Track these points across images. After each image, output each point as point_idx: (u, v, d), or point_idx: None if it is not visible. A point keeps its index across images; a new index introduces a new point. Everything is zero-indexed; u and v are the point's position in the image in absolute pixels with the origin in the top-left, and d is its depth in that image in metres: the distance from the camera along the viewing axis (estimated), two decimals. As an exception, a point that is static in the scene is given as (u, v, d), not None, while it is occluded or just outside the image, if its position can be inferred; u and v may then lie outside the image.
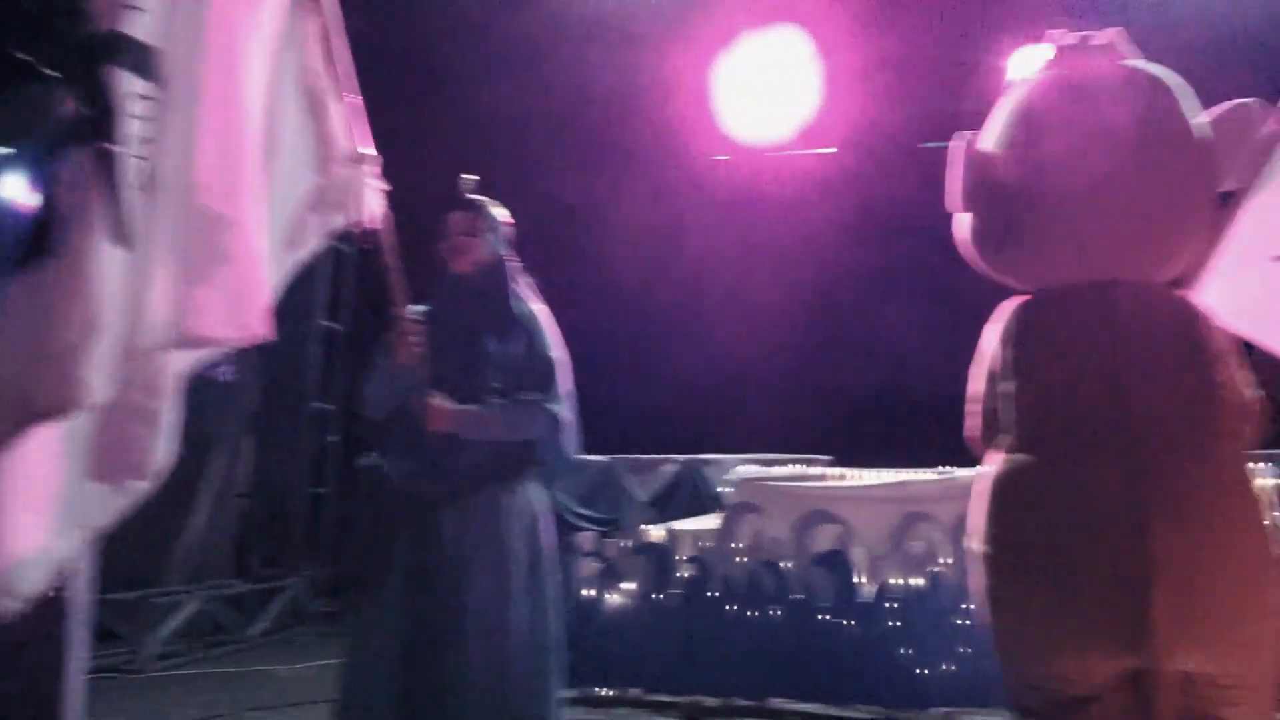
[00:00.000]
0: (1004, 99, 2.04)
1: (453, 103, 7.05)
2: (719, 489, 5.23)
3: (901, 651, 3.90)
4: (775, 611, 4.07)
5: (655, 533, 4.71)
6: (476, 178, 2.41)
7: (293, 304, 6.65)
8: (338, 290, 6.98)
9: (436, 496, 2.23)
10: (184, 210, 1.50)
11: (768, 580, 4.16)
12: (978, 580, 1.89)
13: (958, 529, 3.71)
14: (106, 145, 1.38)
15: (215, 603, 5.79)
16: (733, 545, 4.36)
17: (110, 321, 1.38)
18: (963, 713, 3.72)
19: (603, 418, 6.47)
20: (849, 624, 3.99)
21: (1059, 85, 1.95)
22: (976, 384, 1.99)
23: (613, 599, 4.34)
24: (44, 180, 1.44)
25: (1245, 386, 1.83)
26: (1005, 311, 1.97)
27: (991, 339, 1.97)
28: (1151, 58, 2.01)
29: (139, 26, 1.43)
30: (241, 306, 1.59)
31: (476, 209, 2.40)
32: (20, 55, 3.56)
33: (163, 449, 1.57)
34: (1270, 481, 4.00)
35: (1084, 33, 1.99)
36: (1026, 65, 2.04)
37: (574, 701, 3.98)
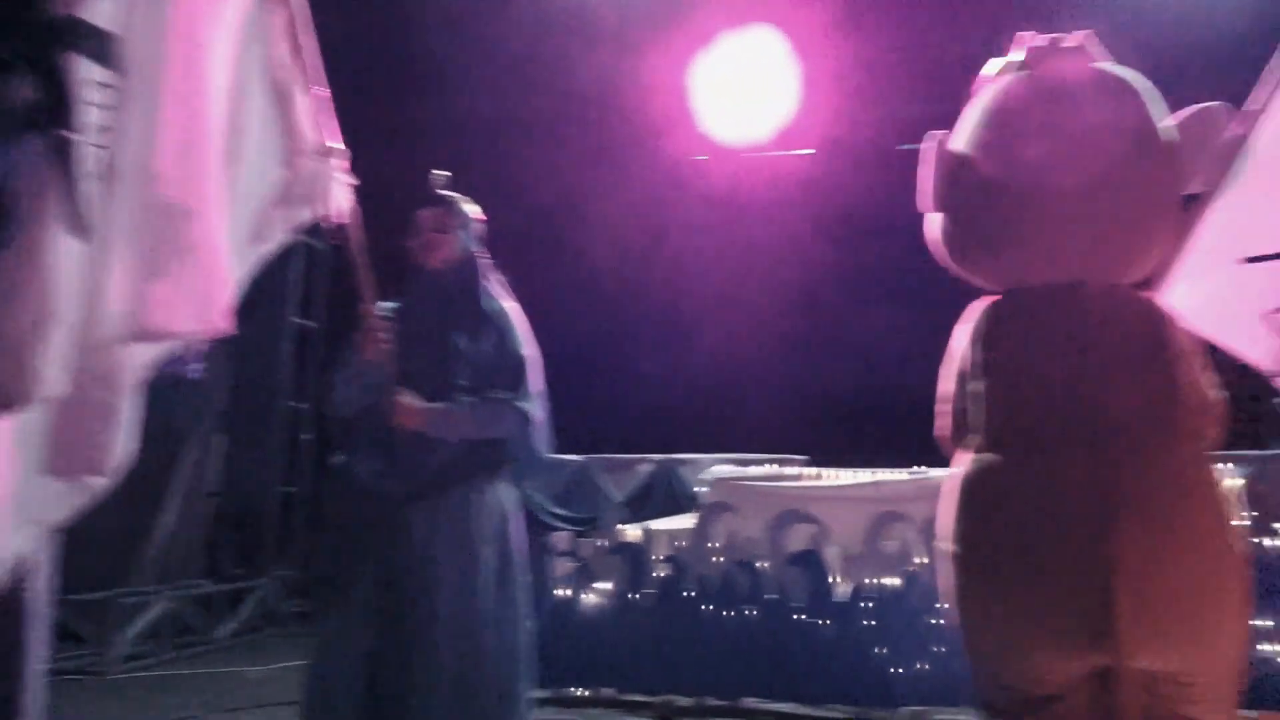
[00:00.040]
0: (975, 100, 2.05)
1: (430, 99, 7.01)
2: (695, 489, 5.23)
3: (875, 651, 3.91)
4: (750, 611, 4.07)
5: (631, 532, 4.70)
6: (448, 173, 2.38)
7: (265, 301, 6.62)
8: (310, 287, 6.91)
9: (405, 496, 2.20)
10: (143, 201, 1.47)
11: (742, 580, 4.16)
12: (946, 579, 1.90)
13: (932, 529, 3.72)
14: (64, 133, 1.35)
15: (183, 603, 5.71)
16: (708, 545, 4.36)
17: (66, 313, 1.35)
18: (935, 711, 3.74)
19: (579, 417, 6.48)
20: (823, 623, 4.00)
21: (1029, 87, 1.96)
22: (946, 384, 2.00)
23: (587, 599, 4.33)
24: (-2, 168, 1.40)
25: (1209, 387, 1.85)
26: (975, 312, 1.98)
27: (961, 339, 1.98)
28: (1121, 60, 2.03)
29: (98, 12, 1.40)
30: (202, 299, 1.56)
31: (447, 205, 2.37)
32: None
33: (122, 445, 1.54)
34: (1236, 482, 4.06)
35: (1054, 35, 2.01)
36: (997, 66, 2.05)
37: (547, 702, 3.96)
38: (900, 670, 3.86)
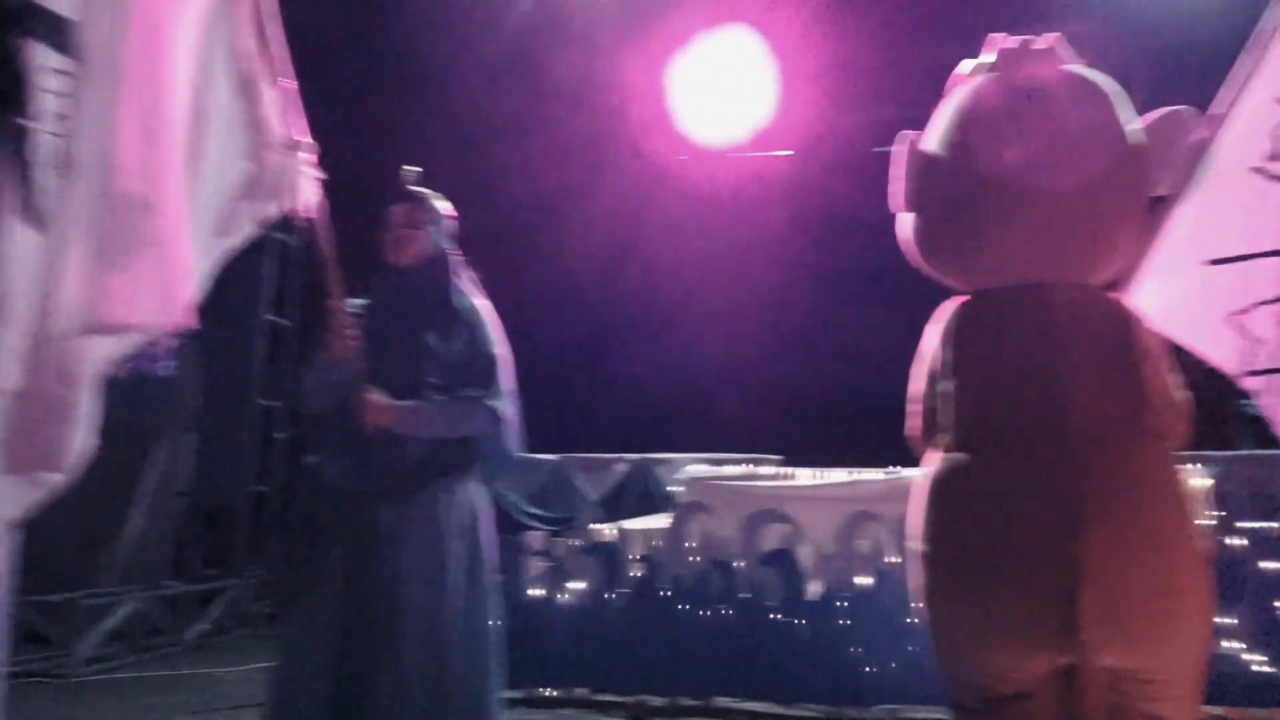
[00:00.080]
0: (946, 101, 2.06)
1: (407, 97, 6.97)
2: (670, 488, 5.23)
3: (848, 650, 3.93)
4: (724, 610, 4.07)
5: (605, 532, 4.69)
6: (419, 169, 2.36)
7: (238, 298, 6.56)
8: (284, 284, 6.84)
9: (373, 494, 2.18)
10: (101, 191, 1.44)
11: (717, 579, 4.16)
12: (916, 578, 1.91)
13: (904, 528, 3.75)
14: (18, 120, 1.32)
15: (151, 604, 5.63)
16: (683, 545, 4.35)
17: (20, 306, 1.33)
18: (908, 710, 3.76)
19: (555, 416, 6.46)
20: (797, 623, 4.01)
21: (999, 89, 1.97)
22: (917, 384, 2.00)
23: (561, 598, 4.31)
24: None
25: (1175, 388, 1.87)
26: (945, 312, 1.99)
27: (931, 339, 1.98)
28: (1090, 63, 2.04)
29: (55, -2, 1.37)
30: (163, 292, 1.53)
31: (418, 201, 2.35)
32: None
33: (81, 441, 1.50)
34: (1203, 482, 4.12)
35: (1025, 37, 2.02)
36: (969, 68, 2.06)
37: (520, 702, 3.94)
38: (873, 669, 3.88)
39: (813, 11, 6.48)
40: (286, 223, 2.05)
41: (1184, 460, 1.96)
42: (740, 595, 4.10)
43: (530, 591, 4.33)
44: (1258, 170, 1.77)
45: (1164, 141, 1.88)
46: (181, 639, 5.63)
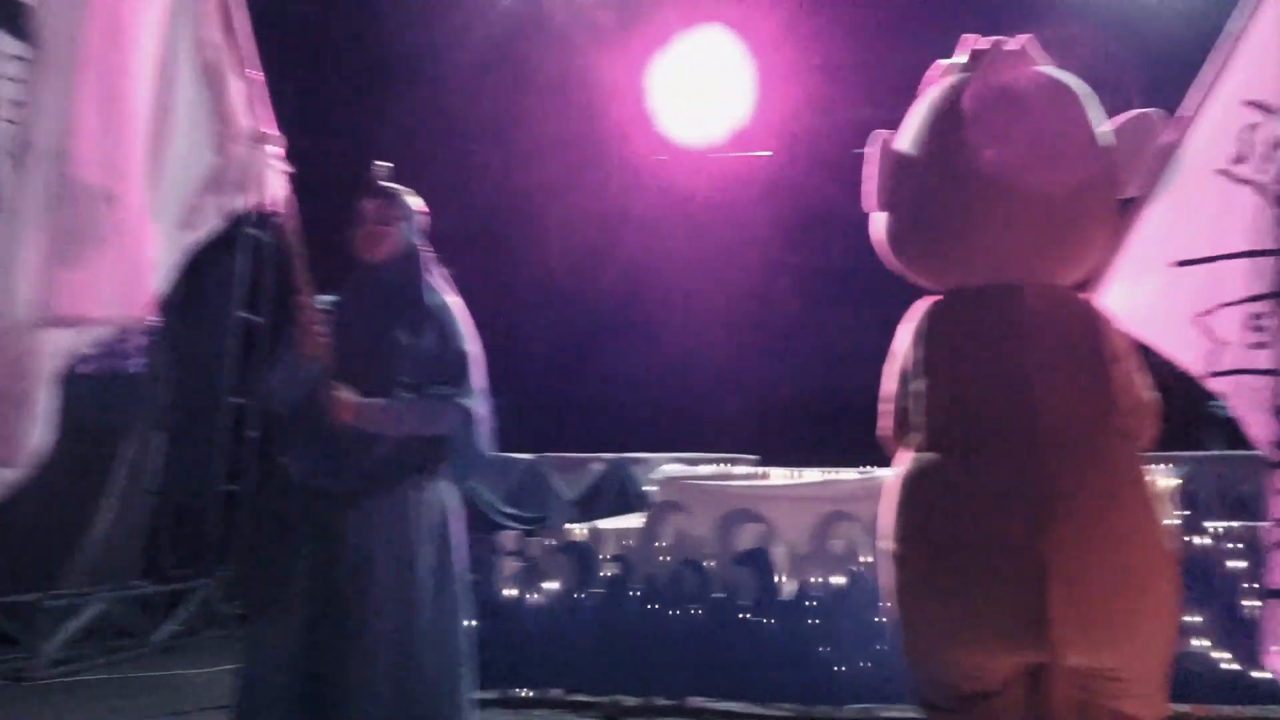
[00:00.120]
0: (919, 100, 2.06)
1: (386, 94, 6.91)
2: (645, 488, 5.22)
3: (821, 649, 3.94)
4: (697, 610, 4.07)
5: (579, 532, 4.68)
6: (390, 165, 2.33)
7: (210, 294, 6.47)
8: (257, 281, 6.75)
9: (341, 493, 2.15)
10: (59, 181, 1.41)
11: (690, 579, 4.16)
12: (886, 578, 1.91)
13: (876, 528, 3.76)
14: (-29, 108, 1.29)
15: (119, 605, 5.54)
16: (656, 544, 4.35)
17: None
18: (880, 709, 3.77)
19: (532, 415, 6.43)
20: (769, 622, 4.01)
21: (971, 89, 1.97)
22: (889, 383, 2.01)
23: (534, 598, 4.29)
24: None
25: (1144, 389, 1.89)
26: (917, 311, 1.99)
27: (903, 339, 1.99)
28: (1061, 65, 2.06)
29: (10, -17, 1.34)
30: (123, 285, 1.50)
31: (390, 197, 2.32)
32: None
33: (36, 436, 1.47)
34: (1171, 482, 4.17)
35: (997, 38, 2.03)
36: (942, 68, 2.07)
37: (493, 703, 3.92)
38: (845, 668, 3.89)
39: (791, 12, 6.50)
40: (261, 219, 2.02)
41: (1152, 460, 1.98)
42: (714, 595, 4.10)
43: (503, 591, 4.30)
44: (1223, 173, 1.79)
45: (1133, 143, 1.90)
46: (150, 640, 5.55)
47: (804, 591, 4.06)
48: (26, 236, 1.37)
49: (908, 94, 2.11)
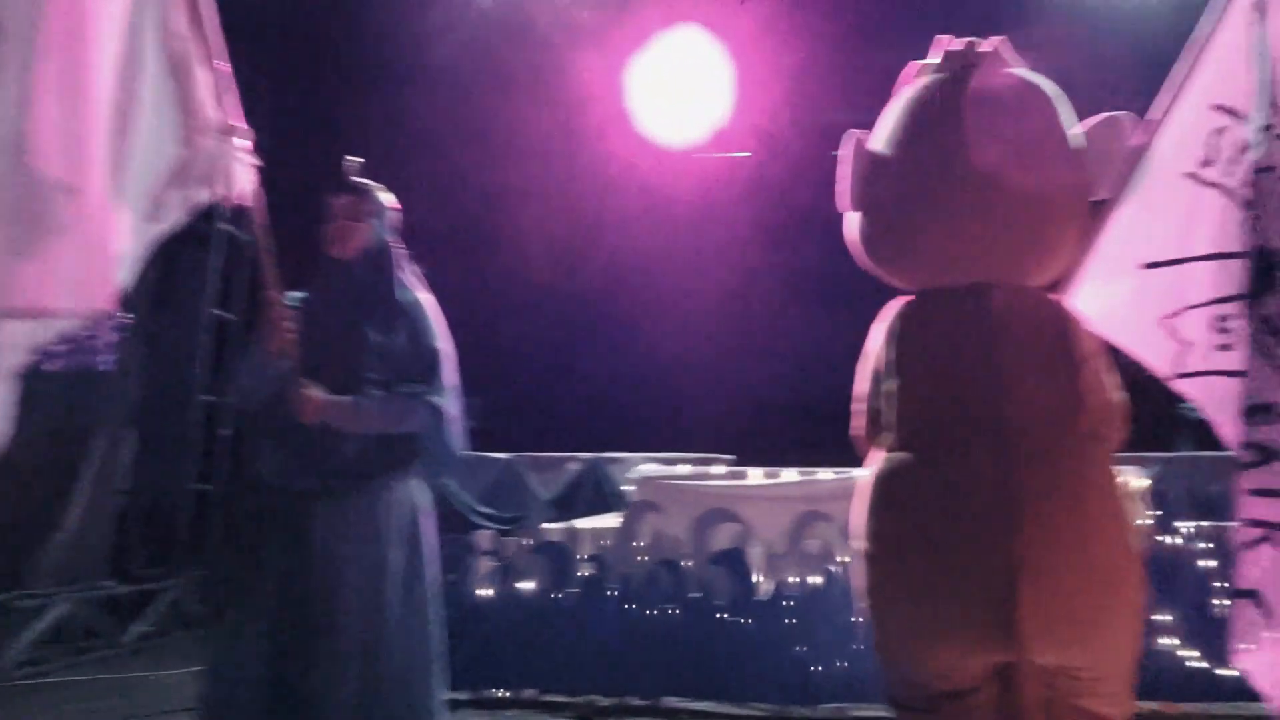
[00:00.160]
0: (894, 101, 2.07)
1: (368, 93, 6.86)
2: (622, 487, 5.21)
3: (796, 649, 3.94)
4: (673, 610, 4.07)
5: (555, 531, 4.66)
6: (361, 160, 2.30)
7: (181, 291, 6.39)
8: (229, 278, 6.67)
9: (309, 492, 2.12)
10: (16, 171, 1.38)
11: (666, 579, 4.15)
12: (859, 577, 1.91)
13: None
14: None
15: (87, 606, 5.45)
16: (632, 544, 4.34)
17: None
18: (854, 708, 3.78)
19: (509, 414, 6.39)
20: (746, 622, 4.01)
21: (944, 90, 1.98)
22: (861, 383, 2.01)
23: (510, 598, 4.27)
24: None
25: (1113, 390, 1.90)
26: (890, 311, 2.00)
27: (876, 339, 1.99)
28: (1034, 67, 2.07)
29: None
30: (84, 277, 1.47)
31: (361, 193, 2.29)
32: None
33: (-8, 428, 1.44)
34: (1141, 482, 4.21)
35: (970, 39, 2.04)
36: (916, 69, 2.07)
37: (466, 704, 3.89)
38: (821, 668, 3.90)
39: (771, 14, 6.51)
40: (236, 215, 1.99)
41: (1123, 461, 2.00)
42: (690, 595, 4.09)
43: (478, 591, 4.28)
44: (1191, 176, 1.80)
45: (1103, 145, 1.91)
46: (119, 641, 5.47)
47: (780, 591, 4.07)
48: (-19, 228, 1.34)
49: (887, 95, 2.12)
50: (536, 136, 6.82)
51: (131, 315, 5.94)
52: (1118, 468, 1.90)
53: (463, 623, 4.12)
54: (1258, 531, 1.59)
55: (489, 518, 5.61)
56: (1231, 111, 1.75)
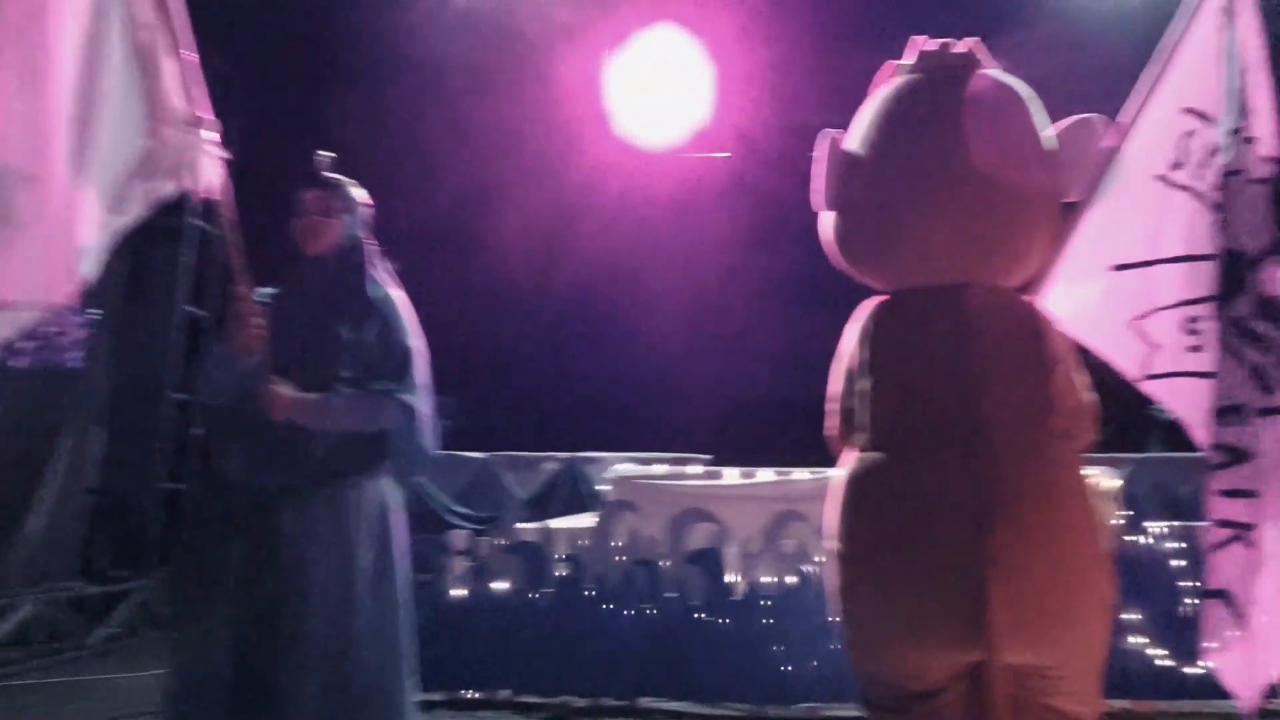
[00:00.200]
0: (869, 101, 2.07)
1: (346, 91, 6.79)
2: (599, 487, 5.19)
3: (772, 649, 3.94)
4: (649, 610, 4.06)
5: (530, 531, 4.64)
6: (333, 155, 2.27)
7: (152, 287, 6.30)
8: (202, 274, 6.59)
9: (277, 491, 2.09)
10: (-29, 162, 1.35)
11: (642, 579, 4.14)
12: (832, 578, 1.91)
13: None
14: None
15: (54, 606, 5.36)
16: (609, 544, 4.32)
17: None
18: (829, 707, 3.78)
19: (485, 414, 6.35)
20: (721, 622, 4.01)
21: (918, 90, 1.99)
22: (835, 383, 2.01)
23: (485, 599, 4.24)
24: None
25: (1083, 390, 1.91)
26: (863, 311, 2.00)
27: (850, 338, 1.99)
28: (1008, 68, 2.08)
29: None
30: (46, 269, 1.44)
31: (333, 188, 2.26)
32: None
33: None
34: (1112, 483, 4.26)
35: (945, 40, 2.04)
36: (892, 69, 2.08)
37: (441, 705, 3.86)
38: (796, 667, 3.90)
39: (751, 15, 6.52)
40: (207, 210, 1.96)
41: (1093, 461, 2.01)
42: (666, 595, 4.09)
43: (452, 592, 4.25)
44: (1161, 179, 1.82)
45: (1076, 147, 1.93)
46: (86, 643, 5.38)
47: (756, 591, 4.07)
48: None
49: (865, 96, 2.12)
50: (514, 135, 6.80)
51: (100, 311, 5.85)
52: (1088, 468, 1.91)
53: (437, 623, 4.09)
54: (1228, 532, 1.61)
55: (464, 517, 5.58)
56: (1201, 115, 1.77)
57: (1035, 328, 1.88)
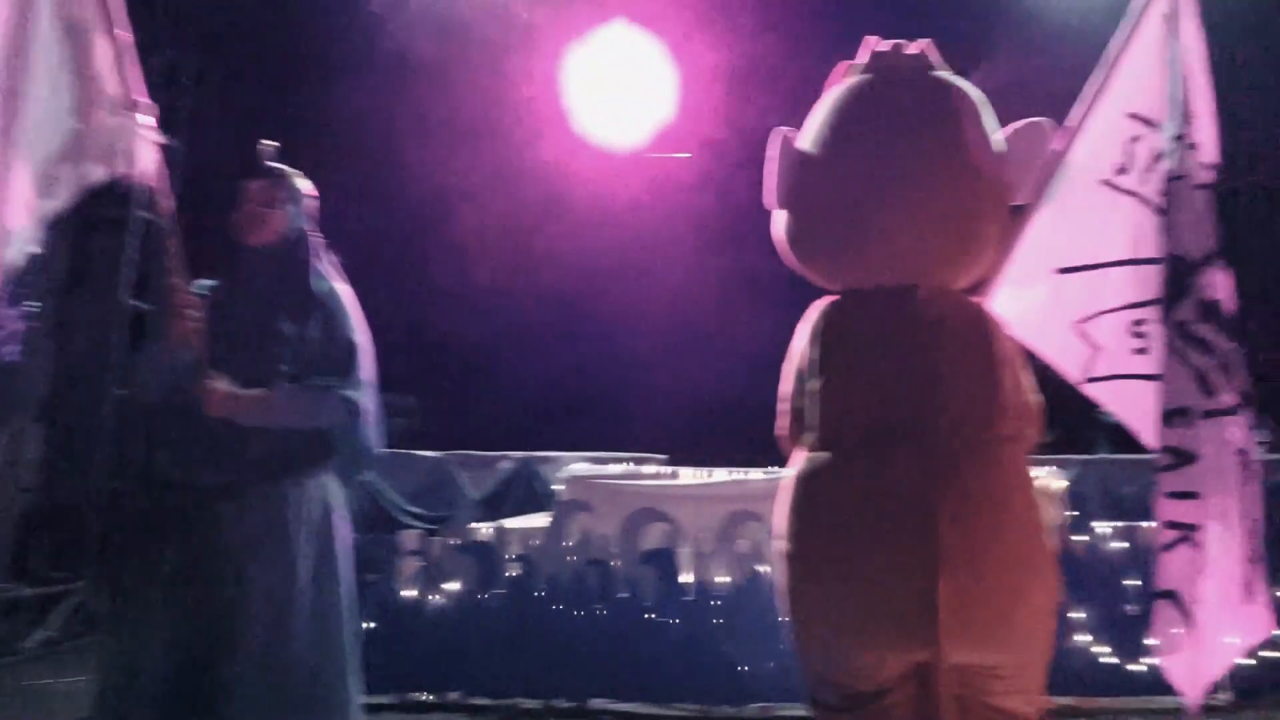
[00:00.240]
0: (822, 101, 2.07)
1: (309, 91, 6.66)
2: (552, 486, 5.15)
3: (723, 648, 3.94)
4: (600, 610, 4.03)
5: (483, 531, 4.58)
6: (277, 144, 2.20)
7: (95, 279, 6.10)
8: (147, 266, 6.40)
9: (214, 489, 2.02)
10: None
11: (594, 579, 4.11)
12: (780, 578, 1.90)
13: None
14: None
15: (-15, 609, 5.18)
16: (561, 544, 4.29)
17: None
18: (780, 707, 3.79)
19: (440, 412, 6.27)
20: (673, 622, 4.00)
21: (869, 91, 1.99)
22: (786, 383, 2.00)
23: (435, 600, 4.18)
24: None
25: (1030, 391, 1.93)
26: (814, 311, 1.99)
27: (801, 338, 1.98)
28: (959, 70, 2.09)
29: None
30: None
31: (276, 178, 2.19)
32: None
33: None
34: (1060, 483, 4.33)
35: (897, 41, 2.05)
36: (844, 68, 2.07)
37: (389, 707, 3.78)
38: (748, 667, 3.90)
39: (713, 16, 6.54)
40: (152, 200, 1.89)
41: (1041, 462, 2.03)
42: (618, 595, 4.06)
43: (403, 592, 4.18)
44: (1107, 183, 1.84)
45: (1025, 151, 1.94)
46: (20, 647, 5.20)
47: (707, 591, 4.06)
48: None
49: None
50: (473, 134, 6.73)
51: (39, 304, 5.66)
52: (1035, 468, 1.93)
53: (386, 625, 4.03)
54: (1175, 534, 1.63)
55: (417, 517, 5.50)
56: (1146, 120, 1.79)
57: (984, 329, 1.89)
